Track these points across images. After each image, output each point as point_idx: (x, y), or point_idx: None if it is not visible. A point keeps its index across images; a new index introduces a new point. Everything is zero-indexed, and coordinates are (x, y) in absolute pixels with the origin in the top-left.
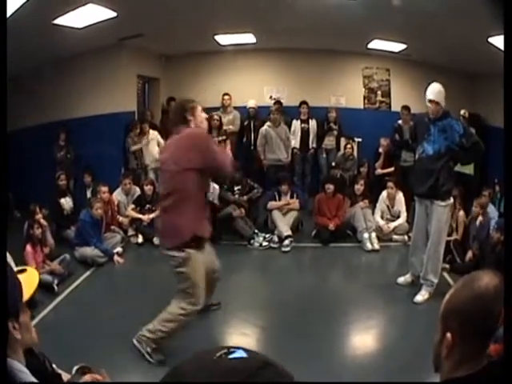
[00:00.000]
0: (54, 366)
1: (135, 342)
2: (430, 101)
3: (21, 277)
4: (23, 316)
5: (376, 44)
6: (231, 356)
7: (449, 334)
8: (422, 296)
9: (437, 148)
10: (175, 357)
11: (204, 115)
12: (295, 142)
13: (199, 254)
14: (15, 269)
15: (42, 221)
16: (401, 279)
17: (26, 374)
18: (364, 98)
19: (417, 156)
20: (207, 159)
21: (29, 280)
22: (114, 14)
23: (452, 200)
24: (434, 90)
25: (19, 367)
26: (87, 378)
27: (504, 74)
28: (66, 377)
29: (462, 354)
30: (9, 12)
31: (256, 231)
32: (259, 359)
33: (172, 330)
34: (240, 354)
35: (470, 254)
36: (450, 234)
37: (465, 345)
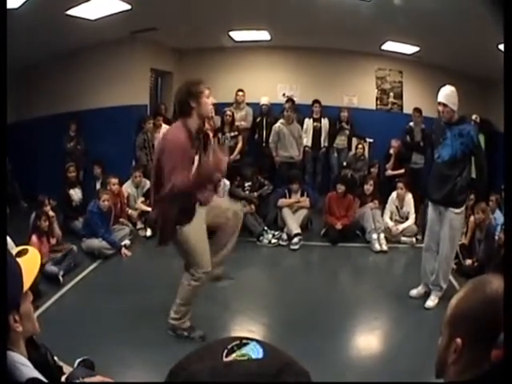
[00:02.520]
0: (55, 358)
1: (170, 332)
2: (439, 103)
3: (21, 260)
4: (24, 305)
5: (389, 46)
6: (244, 350)
7: (459, 339)
8: (432, 301)
9: (453, 153)
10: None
11: (210, 101)
12: (307, 141)
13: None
14: (14, 251)
15: (50, 212)
16: (413, 292)
17: (29, 367)
18: (376, 98)
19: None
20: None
21: (30, 263)
22: (128, 7)
23: (464, 207)
24: (443, 92)
25: (22, 360)
26: (96, 379)
27: (504, 76)
28: (67, 370)
29: (470, 359)
30: (20, 1)
31: (265, 228)
32: (276, 361)
33: (189, 299)
34: (254, 347)
35: (469, 262)
36: None
37: (474, 350)
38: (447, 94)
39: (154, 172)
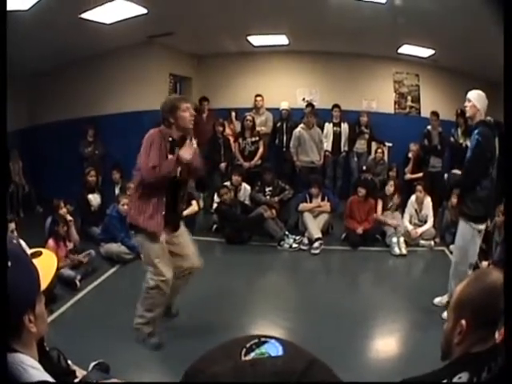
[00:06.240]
0: (69, 362)
1: (135, 331)
2: (467, 100)
3: (36, 261)
4: (39, 305)
5: (406, 49)
6: (263, 348)
7: (463, 321)
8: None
9: (466, 158)
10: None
11: (188, 114)
12: (327, 145)
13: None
14: (28, 252)
15: (68, 216)
16: (437, 300)
17: (38, 370)
18: (395, 102)
19: None
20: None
21: (46, 264)
22: (145, 11)
23: (482, 226)
24: (471, 91)
25: (31, 362)
26: (112, 382)
27: (504, 76)
28: (81, 373)
29: (473, 341)
30: (30, 3)
31: (286, 233)
32: (301, 357)
33: (152, 306)
34: (273, 345)
35: (485, 264)
36: None
37: (476, 332)
38: (474, 92)
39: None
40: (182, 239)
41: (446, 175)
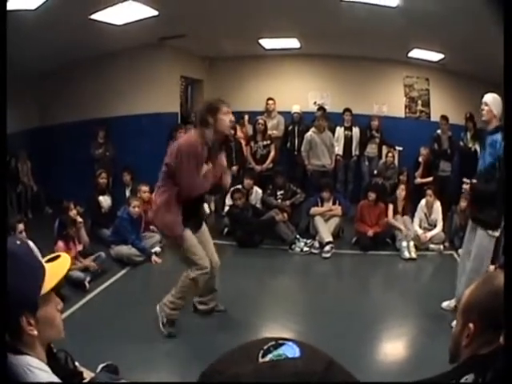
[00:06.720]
0: (76, 363)
1: (158, 308)
2: (483, 103)
3: (50, 264)
4: (45, 309)
5: (416, 53)
6: (280, 350)
7: (471, 324)
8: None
9: (483, 164)
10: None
11: (228, 118)
12: (338, 149)
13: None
14: (38, 253)
15: (78, 218)
16: (445, 303)
17: (46, 372)
18: (405, 106)
19: None
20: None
21: (58, 266)
22: (156, 13)
23: (497, 233)
24: (488, 94)
25: (36, 364)
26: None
27: (504, 75)
28: (88, 375)
29: (481, 343)
30: (37, 3)
31: (297, 236)
32: (321, 358)
33: (185, 294)
34: (290, 347)
35: (492, 268)
36: None
37: (484, 335)
38: (490, 95)
39: (167, 171)
40: (204, 238)
41: (464, 186)
